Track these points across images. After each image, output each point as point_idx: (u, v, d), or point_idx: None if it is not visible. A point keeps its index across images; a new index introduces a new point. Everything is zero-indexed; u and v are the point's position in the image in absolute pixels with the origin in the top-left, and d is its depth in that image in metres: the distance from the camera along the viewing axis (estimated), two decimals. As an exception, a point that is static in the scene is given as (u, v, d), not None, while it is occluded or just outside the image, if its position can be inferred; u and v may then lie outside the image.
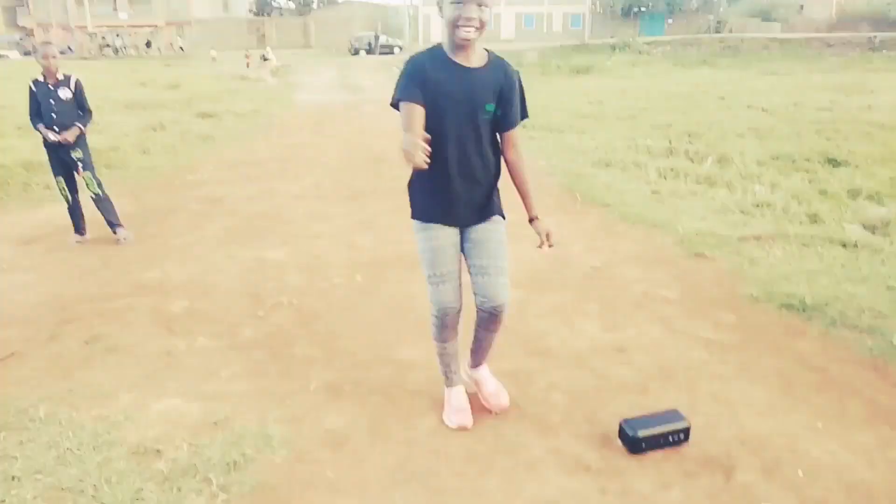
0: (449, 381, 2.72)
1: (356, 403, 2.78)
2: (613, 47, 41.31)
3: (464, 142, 2.37)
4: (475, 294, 2.53)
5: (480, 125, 2.38)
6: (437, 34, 59.55)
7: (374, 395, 2.85)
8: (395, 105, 2.34)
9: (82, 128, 5.24)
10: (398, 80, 2.36)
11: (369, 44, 45.66)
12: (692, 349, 3.22)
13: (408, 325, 3.54)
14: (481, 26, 2.28)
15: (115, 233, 5.37)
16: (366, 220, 5.70)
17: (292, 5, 59.64)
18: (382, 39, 46.68)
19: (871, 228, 5.19)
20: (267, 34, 53.81)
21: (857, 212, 5.68)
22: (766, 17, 53.58)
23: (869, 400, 2.77)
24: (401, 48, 46.32)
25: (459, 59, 2.34)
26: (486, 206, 2.51)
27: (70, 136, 5.15)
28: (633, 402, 2.73)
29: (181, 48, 49.93)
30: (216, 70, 27.23)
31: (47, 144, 5.24)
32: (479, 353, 2.74)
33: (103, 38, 48.95)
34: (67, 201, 5.40)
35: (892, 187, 6.51)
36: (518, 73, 2.45)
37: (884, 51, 35.74)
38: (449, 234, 2.48)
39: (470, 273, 2.55)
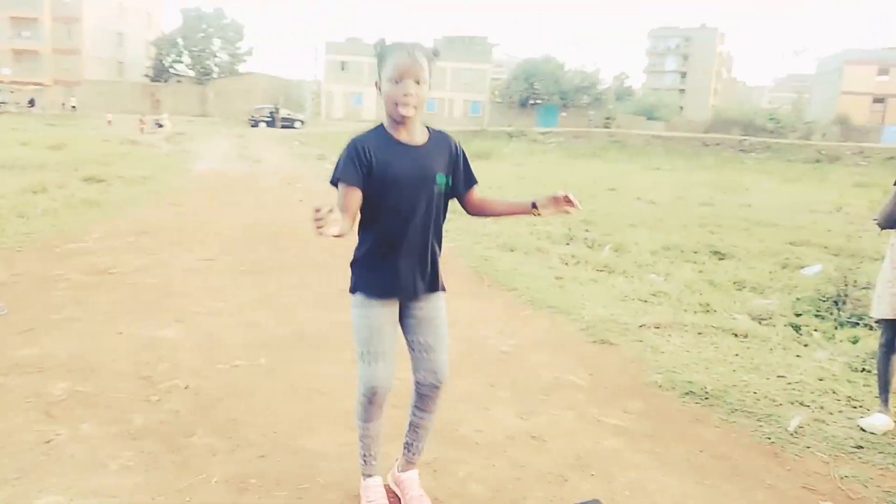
0: (368, 467, 2.57)
1: (263, 498, 2.57)
2: (510, 135, 43.37)
3: (414, 219, 2.33)
4: (417, 371, 2.49)
5: (433, 199, 2.36)
6: (338, 110, 60.43)
7: (282, 490, 2.64)
8: (333, 183, 2.30)
9: None
10: (339, 159, 2.31)
11: (270, 116, 45.55)
12: (605, 437, 3.22)
13: (315, 412, 3.36)
14: (419, 103, 2.29)
15: (-12, 304, 4.88)
16: (265, 296, 5.48)
17: (192, 73, 58.89)
18: (283, 113, 46.71)
19: (758, 319, 5.52)
20: (162, 100, 52.68)
21: (743, 302, 6.04)
22: (649, 115, 58.19)
23: (770, 487, 2.84)
24: (302, 122, 46.53)
25: (402, 138, 2.33)
26: (433, 279, 2.46)
27: None
28: (552, 493, 2.68)
29: (73, 107, 47.90)
30: (106, 133, 26.20)
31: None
32: (414, 444, 2.61)
33: (-18, 92, 46.35)
34: None
35: (772, 280, 7.01)
36: (459, 142, 2.47)
37: (752, 153, 39.44)
38: (389, 313, 2.41)
39: (411, 350, 2.49)
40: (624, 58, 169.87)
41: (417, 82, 2.25)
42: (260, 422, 3.22)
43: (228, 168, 17.18)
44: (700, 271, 7.37)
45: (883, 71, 56.31)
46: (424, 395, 2.53)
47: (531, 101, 60.95)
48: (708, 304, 5.81)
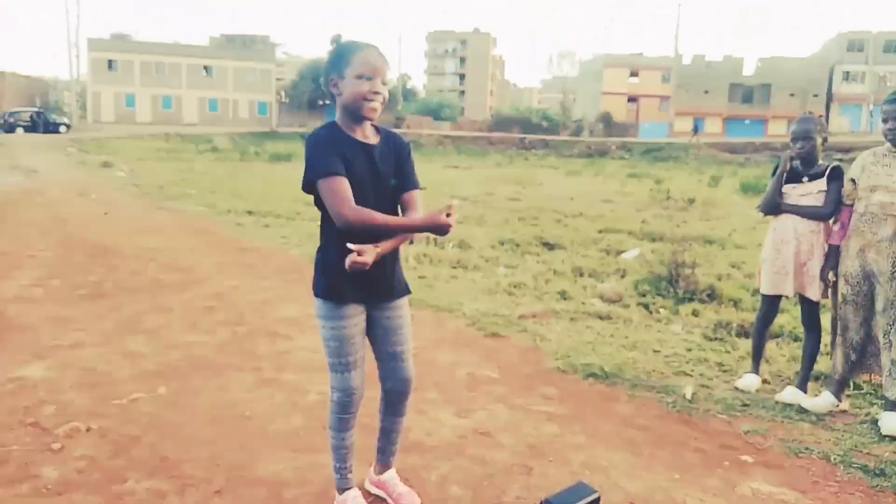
0: (344, 480, 2.52)
1: (247, 538, 2.38)
2: (303, 136, 42.55)
3: None
4: (386, 380, 2.51)
5: (387, 198, 2.36)
6: (108, 112, 55.12)
7: (260, 526, 2.47)
8: (311, 184, 2.22)
9: None
10: (310, 157, 2.23)
11: (32, 119, 40.35)
12: (542, 424, 3.41)
13: (251, 438, 3.15)
14: (383, 102, 2.29)
15: None
16: (127, 322, 4.95)
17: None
18: (45, 117, 41.56)
19: (609, 301, 6.10)
20: None
21: (590, 287, 6.62)
22: (436, 116, 60.39)
23: (695, 449, 3.22)
24: (68, 126, 41.88)
25: (358, 136, 2.31)
26: (398, 281, 2.46)
27: None
28: (526, 483, 2.80)
29: None
30: None
31: None
32: (388, 448, 2.63)
33: None
34: None
35: (603, 266, 7.75)
36: (408, 144, 2.48)
37: (532, 150, 42.69)
38: (357, 321, 2.38)
39: (379, 360, 2.50)
40: (405, 59, 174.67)
41: (384, 83, 2.25)
42: (197, 455, 2.95)
43: (1, 182, 14.98)
44: (541, 262, 7.94)
45: (634, 73, 63.90)
46: (395, 402, 2.57)
47: (320, 102, 60.43)
48: (564, 292, 6.30)
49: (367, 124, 2.34)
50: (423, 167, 18.01)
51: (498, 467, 2.94)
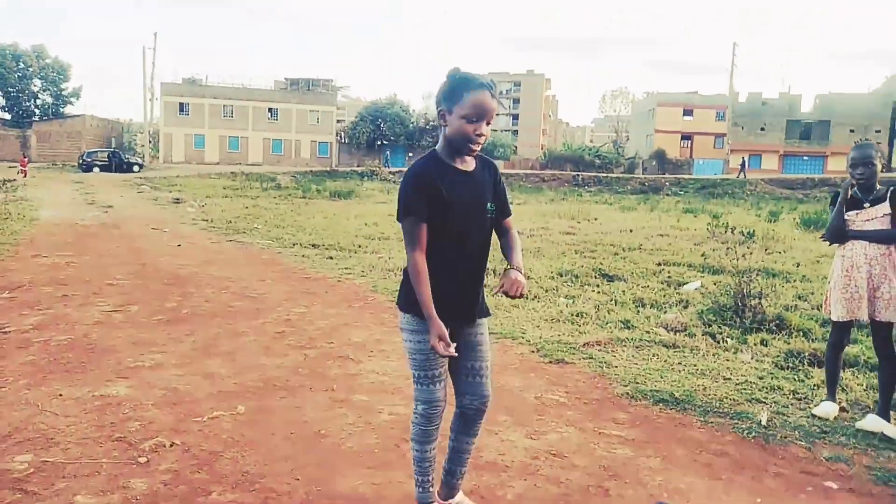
0: (426, 494, 2.56)
1: (329, 547, 2.44)
2: (362, 175, 43.62)
3: (470, 242, 2.42)
4: (464, 395, 2.55)
5: (485, 224, 2.47)
6: (178, 153, 57.56)
7: (341, 536, 2.53)
8: (400, 218, 2.36)
9: None
10: (402, 192, 2.35)
11: (109, 159, 42.50)
12: (614, 447, 3.38)
13: (329, 455, 3.23)
14: (486, 141, 2.38)
15: None
16: (204, 345, 5.14)
17: (8, 116, 53.56)
18: (119, 156, 43.74)
19: (674, 330, 6.01)
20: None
21: (653, 317, 6.53)
22: (490, 155, 60.74)
23: (775, 474, 3.14)
24: (140, 166, 43.91)
25: (458, 165, 2.40)
26: (480, 305, 2.53)
27: None
28: (604, 503, 2.77)
29: None
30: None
31: None
32: (457, 470, 2.65)
33: None
34: None
35: (665, 297, 7.64)
36: (498, 170, 2.57)
37: (585, 186, 42.50)
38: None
39: (457, 374, 2.55)
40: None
41: (488, 123, 2.35)
42: (277, 470, 3.04)
43: (81, 216, 15.78)
44: (602, 293, 7.87)
45: (688, 112, 63.36)
46: (470, 420, 2.59)
47: (378, 143, 61.76)
48: (627, 321, 6.23)
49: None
50: None
51: (573, 487, 2.93)
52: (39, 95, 54.78)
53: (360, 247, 11.54)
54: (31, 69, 53.14)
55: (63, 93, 55.50)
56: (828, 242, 3.91)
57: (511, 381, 4.42)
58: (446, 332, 2.28)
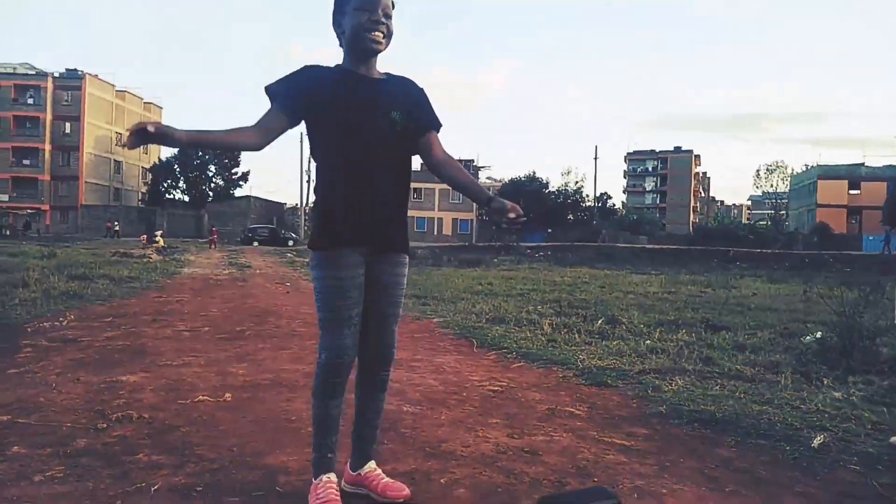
0: (325, 461, 2.20)
1: (209, 504, 2.19)
2: (499, 249, 43.80)
3: (372, 152, 2.16)
4: (368, 345, 2.24)
5: (393, 137, 2.19)
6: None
7: (233, 497, 2.27)
8: (267, 92, 2.17)
9: None
10: (278, 82, 2.17)
11: (267, 233, 46.10)
12: (607, 453, 2.87)
13: (284, 437, 3.00)
14: (389, 35, 2.17)
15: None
16: (242, 354, 5.15)
17: (187, 198, 60.11)
18: (276, 232, 47.33)
19: (762, 368, 5.20)
20: (157, 223, 53.37)
21: (744, 360, 5.72)
22: (634, 231, 59.16)
23: (801, 493, 2.48)
24: (294, 240, 47.06)
25: (361, 71, 2.20)
26: (398, 232, 2.26)
27: None
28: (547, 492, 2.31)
29: (116, 231, 47.03)
30: (99, 247, 26.19)
31: None
32: (366, 433, 2.32)
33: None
34: None
35: (773, 345, 6.72)
36: (423, 87, 2.34)
37: (736, 261, 39.78)
38: (355, 273, 2.16)
39: (364, 317, 2.23)
40: (603, 177, 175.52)
41: (387, 15, 2.15)
42: (220, 444, 2.86)
43: (218, 272, 17.02)
44: (697, 338, 7.08)
45: (854, 185, 58.22)
46: (374, 372, 2.29)
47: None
48: (709, 358, 5.50)
49: (374, 64, 2.23)
50: (609, 272, 17.67)
51: (525, 480, 2.48)
52: (214, 179, 61.12)
53: (460, 298, 11.37)
54: (207, 157, 59.64)
55: (233, 177, 61.55)
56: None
57: (531, 395, 3.98)
58: (159, 130, 1.93)
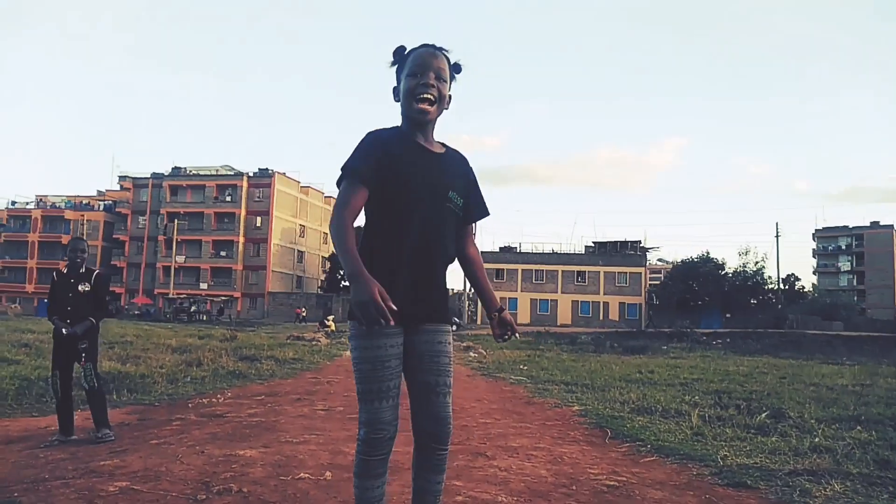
0: None
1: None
2: (670, 335, 41.46)
3: (424, 228, 2.11)
4: (418, 417, 2.13)
5: (446, 215, 2.15)
6: (485, 318, 61.63)
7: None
8: (338, 182, 2.13)
9: (94, 321, 5.17)
10: (352, 153, 2.12)
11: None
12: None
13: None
14: (439, 100, 2.14)
15: (97, 430, 4.98)
16: (365, 436, 5.16)
17: (360, 284, 63.67)
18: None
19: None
20: (333, 309, 56.80)
21: None
22: (826, 316, 53.33)
23: None
24: (458, 325, 47.80)
25: (421, 142, 2.17)
26: (440, 306, 2.18)
27: (81, 328, 5.07)
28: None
29: (304, 317, 50.72)
30: (280, 331, 28.29)
31: (56, 336, 5.14)
32: None
33: (180, 303, 52.34)
34: (56, 396, 5.12)
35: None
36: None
37: (956, 349, 34.45)
38: (394, 343, 2.09)
39: (412, 391, 2.15)
40: (787, 256, 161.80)
41: (438, 77, 2.12)
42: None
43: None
44: (878, 437, 6.07)
45: None
46: (427, 450, 2.15)
47: (691, 303, 58.77)
48: (886, 461, 4.66)
49: (432, 131, 2.20)
50: (797, 362, 16.11)
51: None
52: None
53: (612, 386, 10.76)
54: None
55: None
56: None
57: (652, 493, 3.56)
58: (382, 290, 1.88)
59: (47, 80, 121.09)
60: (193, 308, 51.10)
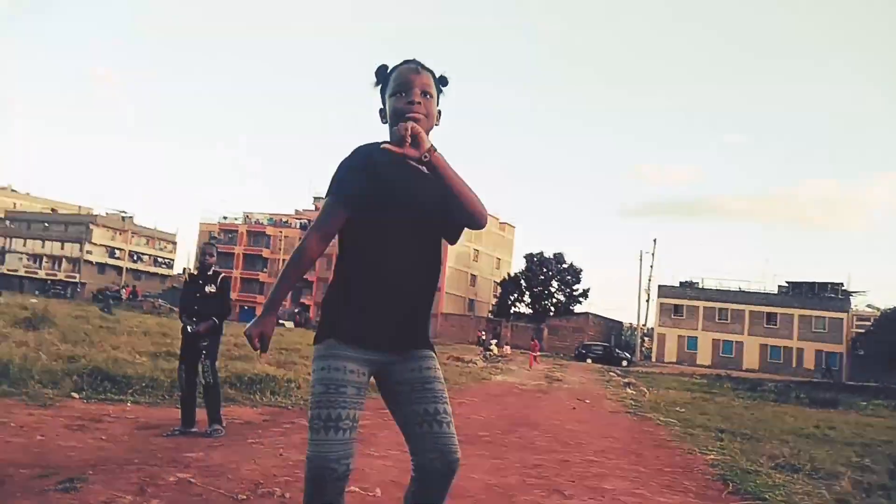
0: None
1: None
2: (876, 392, 36.39)
3: (407, 248, 1.93)
4: (420, 451, 1.89)
5: (429, 231, 1.97)
6: (670, 353, 58.38)
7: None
8: (331, 196, 1.97)
9: (217, 321, 5.51)
10: (336, 170, 1.97)
11: (601, 351, 46.02)
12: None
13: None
14: (428, 115, 1.96)
15: (209, 425, 5.28)
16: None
17: (530, 311, 63.37)
18: (611, 350, 46.86)
19: None
20: (502, 333, 57.06)
21: None
22: None
23: None
24: (628, 361, 45.90)
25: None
26: (419, 331, 1.98)
27: (203, 327, 5.42)
28: None
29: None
30: (445, 351, 28.88)
31: (184, 332, 5.54)
32: None
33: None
34: (181, 389, 5.50)
35: None
36: None
37: None
38: (357, 370, 1.87)
39: (408, 425, 1.92)
40: None
41: (424, 93, 1.96)
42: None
43: (527, 382, 17.29)
44: None
45: None
46: (430, 484, 1.89)
47: (904, 357, 51.45)
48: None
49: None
50: None
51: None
52: (555, 295, 63.60)
53: (774, 439, 9.59)
54: (551, 273, 62.66)
55: (574, 293, 63.25)
56: None
57: None
58: (266, 335, 1.94)
59: (258, 111, 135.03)
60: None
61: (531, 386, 16.50)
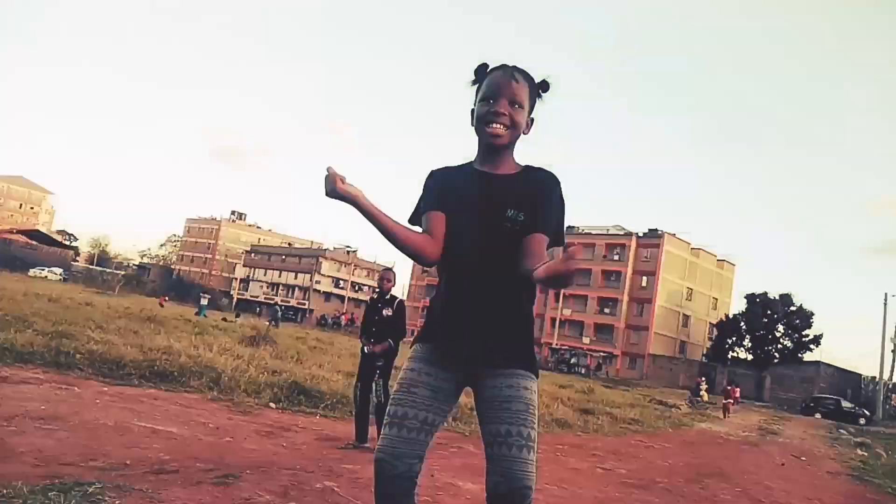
0: None
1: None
2: None
3: (480, 259, 1.92)
4: (489, 472, 1.83)
5: (503, 234, 1.92)
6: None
7: None
8: (414, 222, 2.05)
9: (392, 342, 5.78)
10: (421, 194, 2.08)
11: (831, 406, 40.83)
12: None
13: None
14: (513, 126, 1.94)
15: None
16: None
17: (750, 356, 58.10)
18: (846, 405, 41.32)
19: None
20: (717, 380, 52.94)
21: None
22: None
23: None
24: (867, 418, 40.11)
25: (485, 168, 2.01)
26: (505, 347, 1.91)
27: (378, 347, 5.72)
28: None
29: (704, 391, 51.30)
30: (654, 393, 27.55)
31: (362, 352, 5.89)
32: None
33: (562, 354, 54.61)
34: (356, 405, 5.81)
35: None
36: (557, 180, 1.98)
37: None
38: (432, 372, 1.93)
39: (484, 444, 1.88)
40: None
41: (513, 103, 1.93)
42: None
43: (735, 433, 15.81)
44: None
45: None
46: None
47: None
48: None
49: (508, 157, 2.01)
50: None
51: None
52: (780, 340, 57.52)
53: None
54: (776, 315, 56.86)
55: (803, 339, 56.72)
56: None
57: None
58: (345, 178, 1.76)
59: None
60: (573, 360, 52.77)
61: (738, 437, 15.06)
